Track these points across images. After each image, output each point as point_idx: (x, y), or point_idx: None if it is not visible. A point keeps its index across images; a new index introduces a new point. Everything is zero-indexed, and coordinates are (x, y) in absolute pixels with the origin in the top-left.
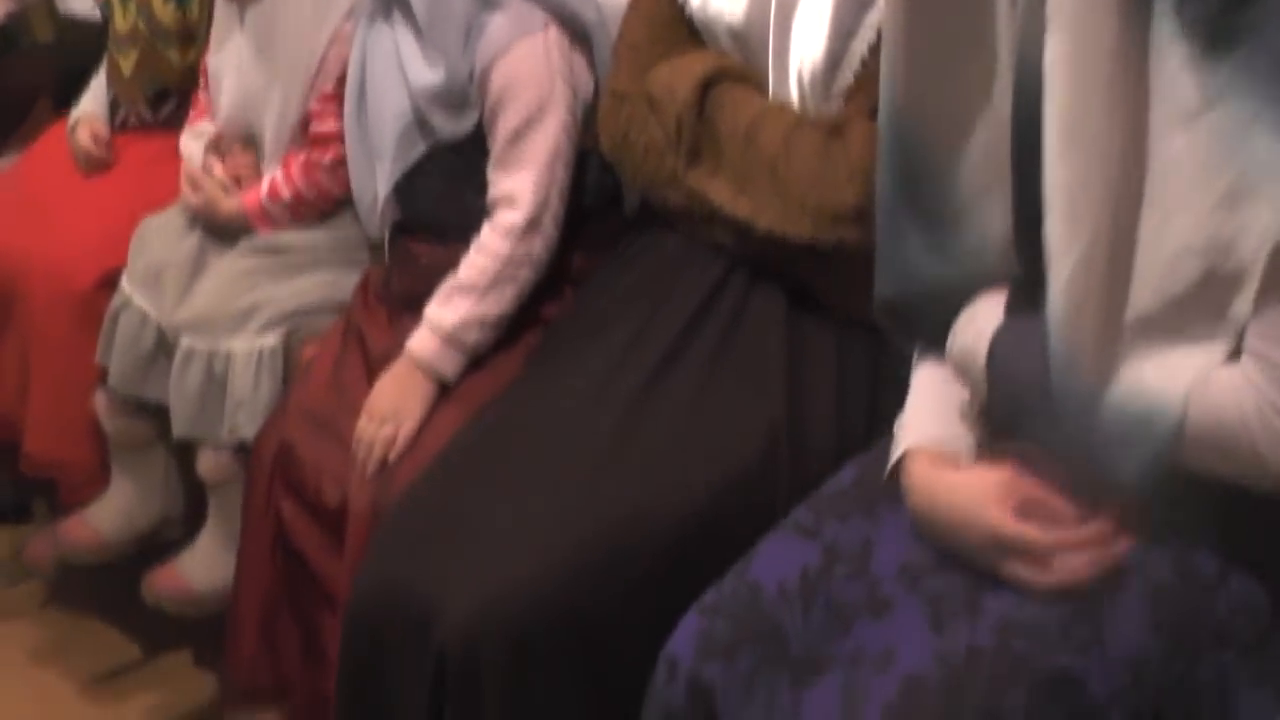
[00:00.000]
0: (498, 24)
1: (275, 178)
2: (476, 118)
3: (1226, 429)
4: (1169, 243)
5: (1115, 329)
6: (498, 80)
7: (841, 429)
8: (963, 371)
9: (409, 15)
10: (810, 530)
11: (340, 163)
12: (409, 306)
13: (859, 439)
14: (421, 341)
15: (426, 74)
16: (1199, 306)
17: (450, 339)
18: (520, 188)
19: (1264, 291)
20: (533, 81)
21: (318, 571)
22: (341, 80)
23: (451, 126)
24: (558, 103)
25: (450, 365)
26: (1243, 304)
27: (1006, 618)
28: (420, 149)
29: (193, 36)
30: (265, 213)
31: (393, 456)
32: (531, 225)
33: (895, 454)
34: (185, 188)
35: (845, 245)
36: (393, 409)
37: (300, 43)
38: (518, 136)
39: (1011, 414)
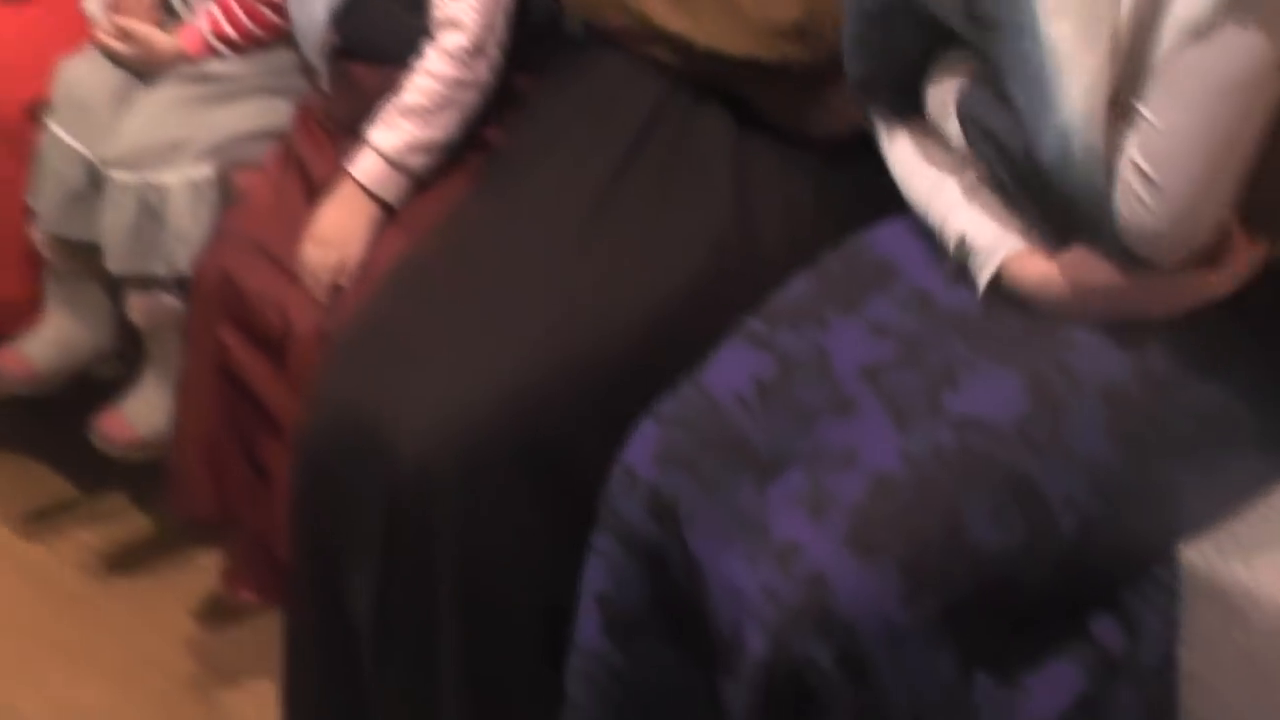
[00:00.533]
0: None
1: (213, 13)
2: None
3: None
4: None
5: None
6: None
7: (789, 242)
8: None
9: None
10: (763, 339)
11: None
12: (350, 131)
13: (806, 252)
14: (365, 166)
15: None
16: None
17: (395, 163)
18: (463, 11)
19: (1167, 62)
20: None
21: (262, 399)
22: None
23: None
24: None
25: (394, 190)
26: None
27: (967, 416)
28: None
29: None
30: (212, 50)
31: (340, 282)
32: (476, 49)
33: (990, 266)
34: (112, 44)
35: (788, 62)
36: (337, 234)
37: None
38: None
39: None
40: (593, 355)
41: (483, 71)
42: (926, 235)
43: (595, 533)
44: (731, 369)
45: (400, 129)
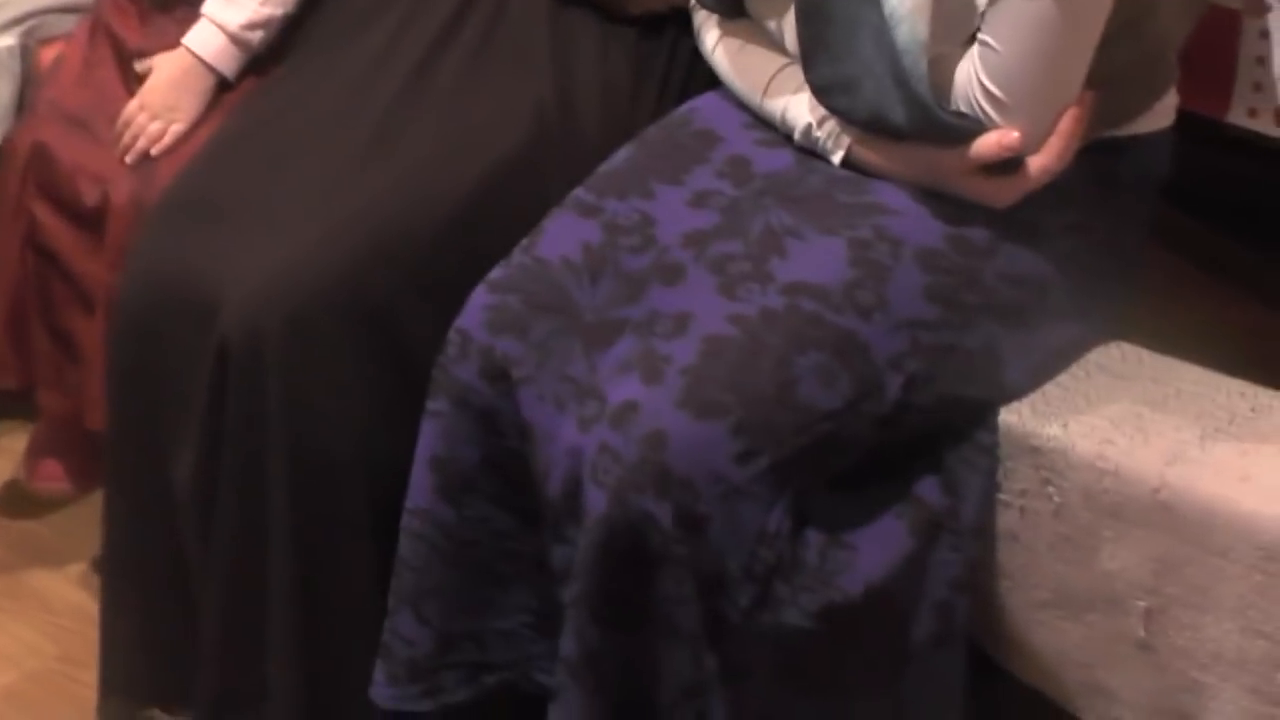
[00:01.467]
0: None
1: None
2: None
3: (959, 93)
4: None
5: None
6: None
7: (607, 115)
8: None
9: None
10: (590, 208)
11: None
12: (162, 7)
13: (625, 125)
14: (203, 39)
15: None
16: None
17: (236, 38)
18: None
19: None
20: None
21: (73, 272)
22: None
23: None
24: None
25: (231, 64)
26: None
27: (794, 281)
28: None
29: None
30: None
31: (156, 151)
32: None
33: (839, 153)
34: None
35: None
36: (166, 104)
37: None
38: None
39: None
40: (415, 222)
41: None
42: (743, 106)
43: (429, 396)
44: (560, 237)
45: (243, 5)
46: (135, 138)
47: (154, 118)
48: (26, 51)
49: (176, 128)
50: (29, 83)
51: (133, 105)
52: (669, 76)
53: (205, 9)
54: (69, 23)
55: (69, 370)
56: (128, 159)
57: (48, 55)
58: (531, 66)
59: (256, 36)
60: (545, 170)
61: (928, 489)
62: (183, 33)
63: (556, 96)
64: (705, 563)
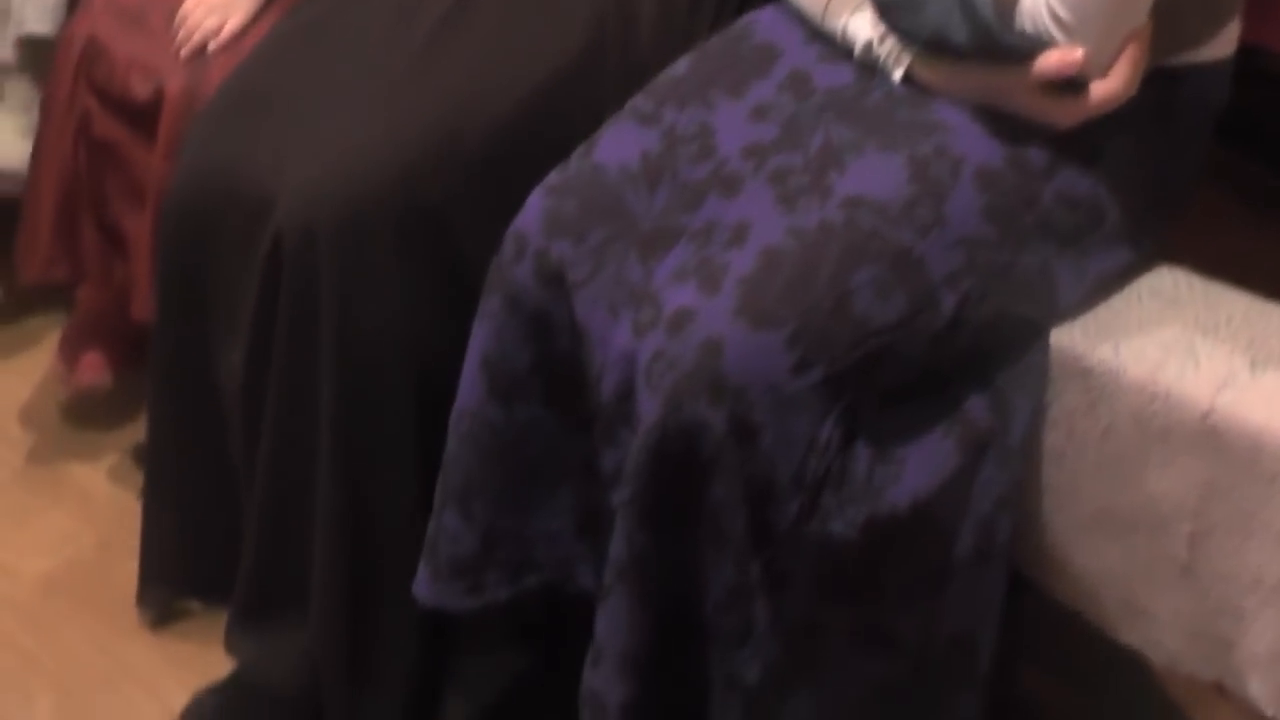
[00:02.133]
0: None
1: None
2: None
3: (1025, 14)
4: None
5: None
6: None
7: (666, 24)
8: None
9: None
10: (649, 116)
11: None
12: None
13: (682, 34)
14: None
15: None
16: None
17: None
18: None
19: None
20: None
21: (125, 166)
22: None
23: None
24: None
25: None
26: None
27: (853, 196)
28: None
29: None
30: None
31: (213, 46)
32: None
33: (899, 70)
34: None
35: None
36: (222, 1)
37: None
38: None
39: None
40: (472, 124)
41: None
42: (804, 21)
43: (483, 297)
44: (619, 144)
45: None
46: (191, 32)
47: (210, 11)
48: None
49: (233, 23)
50: None
51: (188, 4)
52: None
53: None
54: None
55: (115, 264)
56: (183, 53)
57: None
58: None
59: None
60: (602, 78)
61: (977, 407)
62: None
63: (616, 5)
64: (755, 471)
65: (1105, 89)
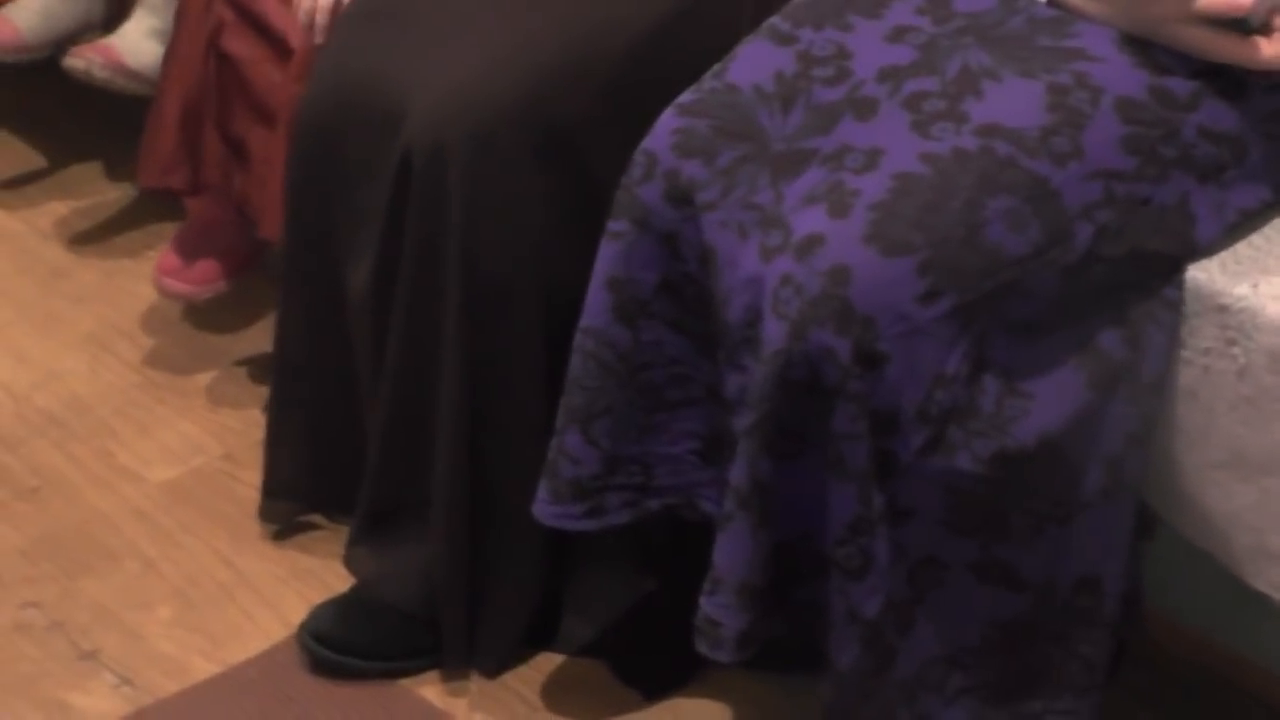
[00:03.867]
0: None
1: None
2: None
3: None
4: None
5: None
6: None
7: None
8: None
9: None
10: (786, 36)
11: None
12: None
13: None
14: None
15: None
16: None
17: None
18: None
19: None
20: None
21: (254, 79)
22: None
23: None
24: None
25: None
26: None
27: (990, 123)
28: None
29: None
30: None
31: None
32: None
33: None
34: None
35: None
36: None
37: None
38: None
39: None
40: (605, 42)
41: None
42: None
43: (611, 216)
44: (754, 64)
45: None
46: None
47: None
48: None
49: None
50: None
51: None
52: None
53: None
54: None
55: (235, 177)
56: (316, 40)
57: None
58: None
59: None
60: (732, 5)
61: (1109, 341)
62: None
63: None
64: (881, 401)
65: (1275, 49)
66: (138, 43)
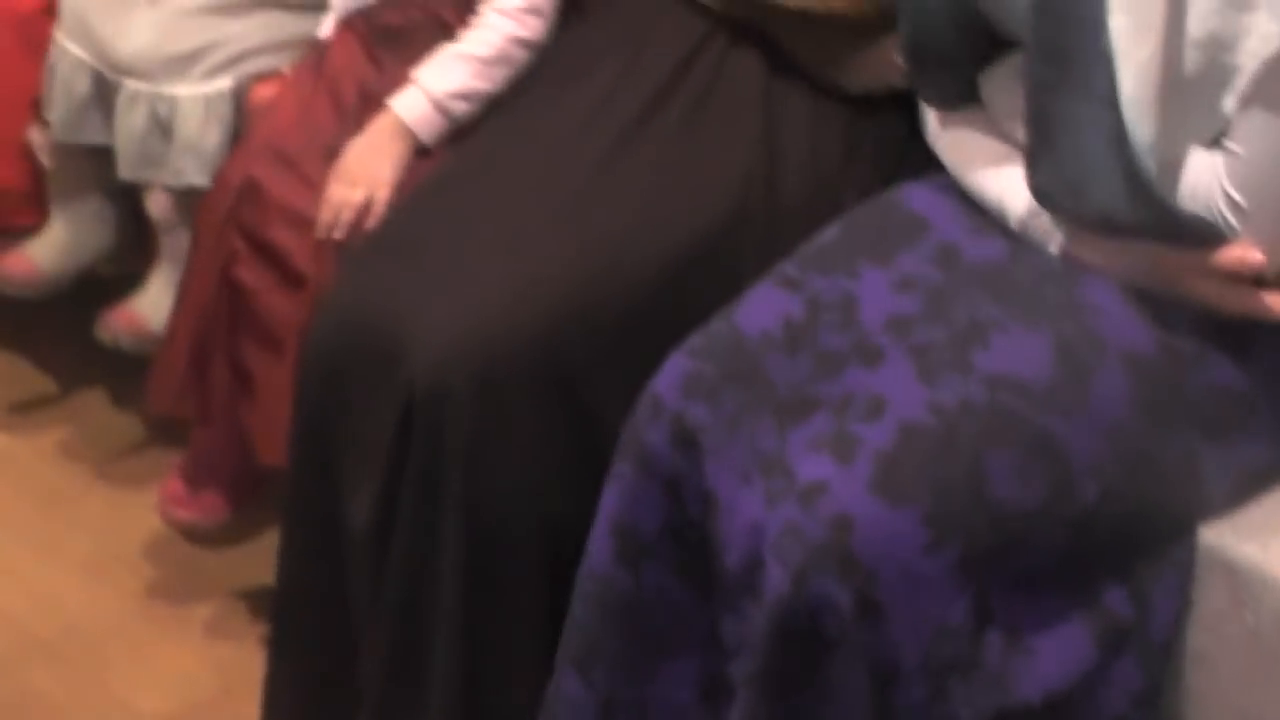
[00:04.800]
0: None
1: None
2: None
3: (1195, 197)
4: (1184, 33)
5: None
6: None
7: (814, 191)
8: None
9: None
10: (794, 282)
11: None
12: (389, 43)
13: (830, 203)
14: (409, 103)
15: None
16: (1198, 96)
17: (440, 105)
18: None
19: (1248, 95)
20: None
21: (265, 309)
22: None
23: None
24: None
25: (432, 132)
26: (1230, 101)
27: (996, 374)
28: None
29: None
30: None
31: (369, 224)
32: (534, 9)
33: (1056, 243)
34: None
35: (835, 14)
36: (366, 173)
37: None
38: None
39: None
40: (612, 285)
41: (540, 30)
42: (957, 193)
43: (615, 458)
44: (762, 309)
45: (453, 74)
46: (338, 211)
47: (355, 188)
48: (238, 94)
49: (381, 199)
50: (241, 120)
51: (332, 182)
52: (881, 158)
53: (415, 74)
54: (283, 60)
55: (242, 406)
56: (336, 236)
57: (261, 92)
58: (741, 138)
59: (460, 108)
60: (747, 242)
61: (1116, 599)
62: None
63: (765, 171)
64: (882, 651)
65: None
66: (161, 300)
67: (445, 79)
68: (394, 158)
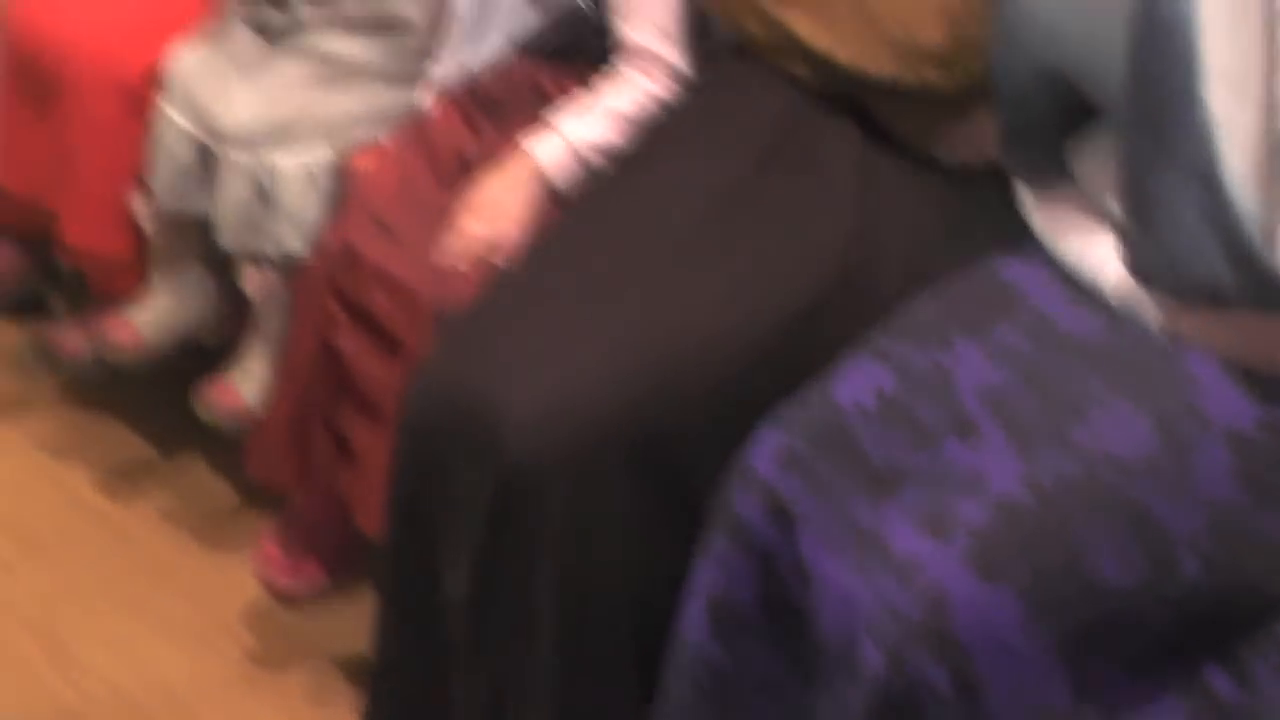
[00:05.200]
0: None
1: None
2: None
3: None
4: None
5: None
6: None
7: (910, 264)
8: None
9: None
10: (887, 355)
11: None
12: (489, 112)
13: (926, 276)
14: (549, 149)
15: None
16: None
17: (579, 155)
18: (657, 43)
19: None
20: None
21: (363, 376)
22: None
23: None
24: None
25: (566, 179)
26: None
27: (1094, 449)
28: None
29: None
30: None
31: (492, 259)
32: (674, 73)
33: (1155, 318)
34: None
35: (928, 86)
36: (495, 208)
37: None
38: None
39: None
40: (705, 357)
41: (674, 94)
42: (1052, 264)
43: (709, 532)
44: (855, 381)
45: (597, 126)
46: (466, 246)
47: (483, 222)
48: (339, 163)
49: (507, 235)
50: (340, 190)
51: (464, 213)
52: (976, 229)
53: (556, 120)
54: (382, 130)
55: (341, 474)
56: (459, 265)
57: (361, 162)
58: (837, 209)
59: (596, 160)
60: (842, 315)
61: (1218, 679)
62: (511, 144)
63: (860, 242)
64: None
65: None
66: (257, 376)
67: (588, 130)
68: (527, 199)
